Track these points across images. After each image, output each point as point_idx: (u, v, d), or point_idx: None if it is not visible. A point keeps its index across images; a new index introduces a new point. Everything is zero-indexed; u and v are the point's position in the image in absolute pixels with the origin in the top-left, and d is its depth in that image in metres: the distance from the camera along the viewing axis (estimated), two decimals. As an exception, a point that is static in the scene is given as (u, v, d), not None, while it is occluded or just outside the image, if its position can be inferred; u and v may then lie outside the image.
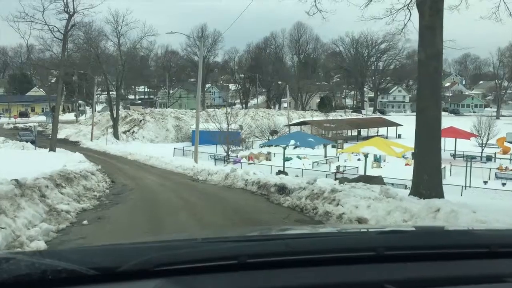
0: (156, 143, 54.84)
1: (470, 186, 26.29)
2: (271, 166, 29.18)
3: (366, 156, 25.20)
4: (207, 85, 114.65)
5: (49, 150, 37.32)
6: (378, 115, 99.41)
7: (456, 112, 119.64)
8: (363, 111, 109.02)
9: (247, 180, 16.76)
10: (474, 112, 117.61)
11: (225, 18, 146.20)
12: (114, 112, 56.03)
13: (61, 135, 60.49)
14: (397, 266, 1.62)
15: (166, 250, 1.64)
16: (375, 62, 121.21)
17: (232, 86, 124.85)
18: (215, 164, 32.24)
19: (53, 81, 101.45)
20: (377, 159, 36.25)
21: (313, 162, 32.75)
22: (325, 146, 37.73)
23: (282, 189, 14.17)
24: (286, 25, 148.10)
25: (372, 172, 31.48)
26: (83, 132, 58.93)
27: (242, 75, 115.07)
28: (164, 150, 40.15)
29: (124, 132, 56.92)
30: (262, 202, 14.05)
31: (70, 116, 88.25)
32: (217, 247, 1.74)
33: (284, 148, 27.90)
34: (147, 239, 2.70)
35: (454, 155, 39.53)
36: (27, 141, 44.28)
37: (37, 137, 47.91)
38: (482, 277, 1.61)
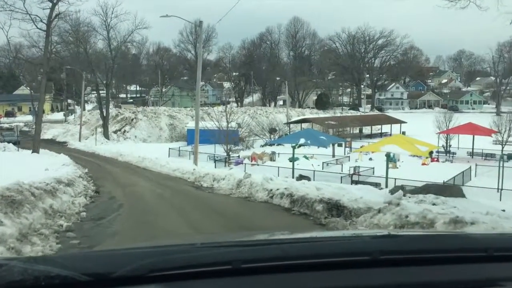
0: (149, 142, 51.92)
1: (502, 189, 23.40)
2: (278, 167, 26.17)
3: (388, 156, 22.27)
4: (201, 83, 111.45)
5: (32, 152, 34.12)
6: (376, 112, 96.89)
7: (455, 109, 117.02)
8: (361, 109, 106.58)
9: (272, 191, 13.11)
10: (473, 109, 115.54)
11: (220, 14, 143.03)
12: (104, 111, 52.88)
13: (48, 135, 57.65)
14: (392, 270, 1.61)
15: (160, 255, 1.61)
16: (373, 58, 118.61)
17: (226, 84, 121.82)
18: (215, 166, 29.23)
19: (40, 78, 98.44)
20: (391, 159, 33.37)
21: (322, 163, 29.79)
22: (333, 145, 34.79)
23: (336, 209, 10.23)
24: (282, 20, 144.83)
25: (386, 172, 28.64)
26: (71, 132, 55.71)
27: (236, 73, 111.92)
28: (158, 151, 37.08)
29: (115, 132, 53.80)
30: (314, 230, 10.18)
31: (59, 115, 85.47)
32: (212, 252, 1.69)
33: (294, 148, 24.93)
34: (142, 245, 2.43)
35: (472, 154, 36.73)
36: (9, 142, 41.35)
37: (22, 138, 45.44)
38: (479, 281, 1.61)
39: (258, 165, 30.48)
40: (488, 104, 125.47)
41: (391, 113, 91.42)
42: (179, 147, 40.61)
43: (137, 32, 50.29)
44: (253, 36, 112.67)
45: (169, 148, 38.78)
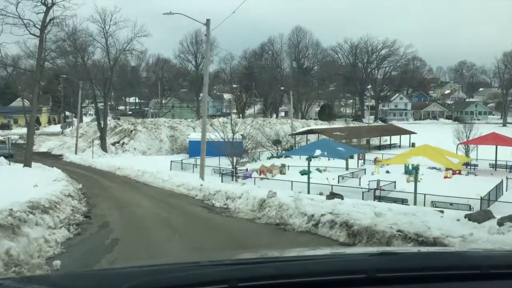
0: (149, 155, 49.65)
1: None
2: (291, 182, 23.75)
3: (415, 168, 19.97)
4: (201, 95, 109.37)
5: (24, 166, 31.78)
6: (380, 123, 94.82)
7: (460, 120, 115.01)
8: (364, 120, 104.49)
9: (313, 217, 10.04)
10: (478, 119, 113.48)
11: (221, 25, 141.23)
12: (102, 122, 50.56)
13: (43, 148, 55.59)
14: None
15: (156, 275, 1.59)
16: (376, 69, 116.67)
17: (226, 96, 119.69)
18: (222, 181, 26.85)
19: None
20: (410, 172, 31.03)
21: (338, 176, 27.39)
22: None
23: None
24: (284, 30, 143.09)
25: (407, 187, 26.30)
26: (68, 145, 53.33)
27: (236, 85, 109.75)
28: (159, 164, 34.73)
29: (113, 144, 51.44)
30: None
31: (56, 127, 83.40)
32: (208, 271, 1.69)
33: (309, 160, 22.57)
34: (137, 264, 2.35)
35: (495, 166, 34.31)
36: (1, 155, 39.06)
37: (16, 151, 43.21)
38: None
39: (267, 178, 28.11)
40: (493, 115, 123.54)
41: (396, 124, 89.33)
42: (182, 160, 38.22)
43: (136, 40, 48.05)
44: (255, 46, 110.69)
45: (171, 161, 36.37)
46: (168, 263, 2.04)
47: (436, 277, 1.65)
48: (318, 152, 23.03)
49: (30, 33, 31.64)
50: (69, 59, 50.95)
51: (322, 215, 10.14)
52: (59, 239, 9.41)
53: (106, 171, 33.08)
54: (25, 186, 18.60)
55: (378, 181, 24.93)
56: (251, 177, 28.52)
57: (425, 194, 20.52)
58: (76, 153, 47.63)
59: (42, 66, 32.40)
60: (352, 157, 39.05)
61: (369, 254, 2.14)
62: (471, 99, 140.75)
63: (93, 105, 58.64)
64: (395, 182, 25.78)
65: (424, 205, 20.23)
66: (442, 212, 10.82)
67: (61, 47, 36.65)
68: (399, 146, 57.81)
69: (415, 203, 19.99)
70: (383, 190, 23.00)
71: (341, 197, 14.53)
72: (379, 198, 21.79)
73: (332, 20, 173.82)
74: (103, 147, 49.16)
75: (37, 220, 9.35)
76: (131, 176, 28.22)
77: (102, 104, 55.52)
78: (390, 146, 57.20)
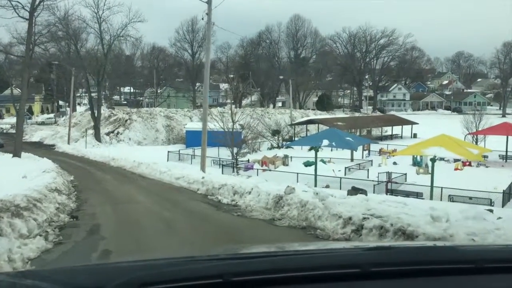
0: (145, 145, 48.17)
1: None
2: (297, 174, 22.37)
3: (433, 160, 18.57)
4: (197, 84, 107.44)
5: (13, 156, 30.23)
6: (377, 114, 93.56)
7: (458, 111, 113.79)
8: (362, 110, 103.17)
9: (353, 221, 8.08)
10: (477, 110, 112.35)
11: (218, 13, 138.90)
12: (96, 111, 48.91)
13: (35, 137, 54.12)
14: (383, 283, 1.60)
15: (150, 269, 1.58)
16: (374, 58, 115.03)
17: (222, 85, 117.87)
18: (222, 172, 25.44)
19: (31, 79, 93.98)
20: (418, 163, 29.74)
21: (345, 168, 25.98)
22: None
23: None
24: (282, 19, 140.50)
25: (418, 179, 24.96)
26: (60, 134, 51.68)
27: (232, 76, 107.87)
28: (155, 154, 33.28)
29: (108, 134, 49.86)
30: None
31: (50, 117, 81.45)
32: (202, 265, 1.67)
33: (316, 150, 21.15)
34: (132, 258, 2.32)
35: (506, 157, 32.97)
36: (-9, 145, 37.70)
37: (7, 140, 41.76)
38: None
39: (270, 170, 26.69)
40: (491, 105, 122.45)
41: (394, 114, 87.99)
42: (179, 150, 36.72)
43: (131, 26, 46.24)
44: (252, 35, 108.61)
45: (168, 151, 34.86)
46: (162, 258, 1.97)
47: (430, 271, 1.64)
48: (325, 142, 21.59)
49: (19, 16, 29.94)
50: (61, 46, 49.20)
51: (365, 218, 8.10)
52: (32, 254, 7.26)
53: (99, 161, 31.58)
54: (11, 177, 17.14)
55: (390, 173, 23.54)
56: (253, 168, 27.09)
57: (442, 188, 19.16)
58: (69, 143, 46.06)
59: (32, 51, 30.67)
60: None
61: (364, 249, 2.11)
62: (469, 90, 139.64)
63: (87, 94, 56.92)
64: (405, 174, 24.41)
65: (441, 199, 18.94)
66: (491, 211, 9.42)
67: (52, 31, 34.89)
68: (401, 137, 56.56)
69: (431, 198, 18.67)
70: (396, 183, 21.59)
71: (364, 192, 13.08)
72: (391, 192, 20.46)
73: (331, 8, 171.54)
74: (97, 137, 47.60)
75: (2, 228, 7.26)
76: (126, 167, 26.74)
77: (96, 93, 53.86)
78: (392, 137, 55.90)
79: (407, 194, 19.59)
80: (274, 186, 12.66)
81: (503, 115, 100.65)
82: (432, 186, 18.74)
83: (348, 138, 23.95)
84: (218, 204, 13.48)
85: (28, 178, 17.90)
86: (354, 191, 13.44)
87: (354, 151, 31.23)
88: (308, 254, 2.09)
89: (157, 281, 1.43)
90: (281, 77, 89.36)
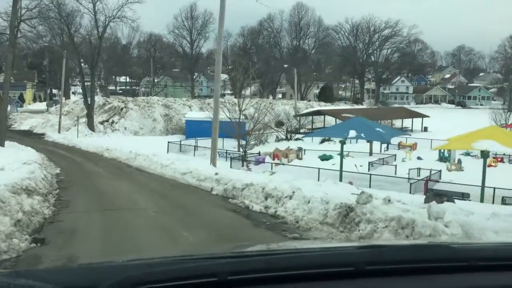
0: (141, 135, 45.22)
1: None
2: (318, 169, 19.38)
3: (485, 155, 15.74)
4: (195, 74, 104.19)
5: (-5, 145, 27.14)
6: (379, 106, 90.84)
7: (462, 105, 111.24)
8: (364, 103, 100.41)
9: None
10: (481, 104, 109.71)
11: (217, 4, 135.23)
12: (89, 98, 45.82)
13: (24, 126, 51.11)
14: (377, 281, 1.60)
15: (144, 269, 1.57)
16: (377, 50, 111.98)
17: (222, 76, 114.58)
18: (230, 166, 22.48)
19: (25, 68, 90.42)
20: (446, 158, 26.90)
21: (369, 163, 23.06)
22: (370, 141, 28.08)
23: None
24: (285, 7, 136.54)
25: (448, 176, 22.13)
26: (51, 123, 48.56)
27: (230, 67, 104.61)
28: (153, 145, 30.28)
29: (102, 123, 46.80)
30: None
31: (42, 105, 78.54)
32: (197, 264, 1.65)
33: (342, 143, 18.27)
34: (126, 258, 2.16)
35: (539, 153, 30.16)
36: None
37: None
38: None
39: (283, 164, 23.73)
40: (494, 100, 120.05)
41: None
42: (180, 141, 33.73)
43: (128, 6, 43.01)
44: (254, 24, 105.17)
45: (168, 142, 31.83)
46: (156, 257, 1.94)
47: (424, 269, 1.64)
48: (352, 133, 18.66)
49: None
50: (53, 29, 45.93)
51: None
52: None
53: (92, 152, 28.59)
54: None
55: (430, 171, 20.50)
56: (264, 162, 24.15)
57: (494, 188, 16.28)
58: (59, 131, 43.02)
59: (17, 28, 27.48)
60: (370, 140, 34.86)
61: (359, 248, 2.12)
62: (472, 84, 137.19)
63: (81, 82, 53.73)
64: (440, 171, 21.53)
65: (493, 202, 16.10)
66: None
67: (42, 6, 31.61)
68: (411, 130, 53.69)
69: (482, 200, 15.82)
70: (437, 181, 18.70)
71: (451, 200, 10.16)
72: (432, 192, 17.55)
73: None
74: (90, 126, 44.53)
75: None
76: (122, 159, 23.77)
77: (90, 79, 50.73)
78: (402, 130, 53.08)
79: (451, 195, 16.69)
80: (321, 187, 9.60)
81: (509, 110, 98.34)
82: (483, 186, 15.89)
83: (378, 129, 21.11)
84: (248, 212, 10.14)
85: (5, 171, 15.01)
86: (437, 197, 10.36)
87: (378, 144, 28.37)
88: (303, 252, 2.06)
89: (151, 280, 1.41)
90: (285, 65, 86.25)
